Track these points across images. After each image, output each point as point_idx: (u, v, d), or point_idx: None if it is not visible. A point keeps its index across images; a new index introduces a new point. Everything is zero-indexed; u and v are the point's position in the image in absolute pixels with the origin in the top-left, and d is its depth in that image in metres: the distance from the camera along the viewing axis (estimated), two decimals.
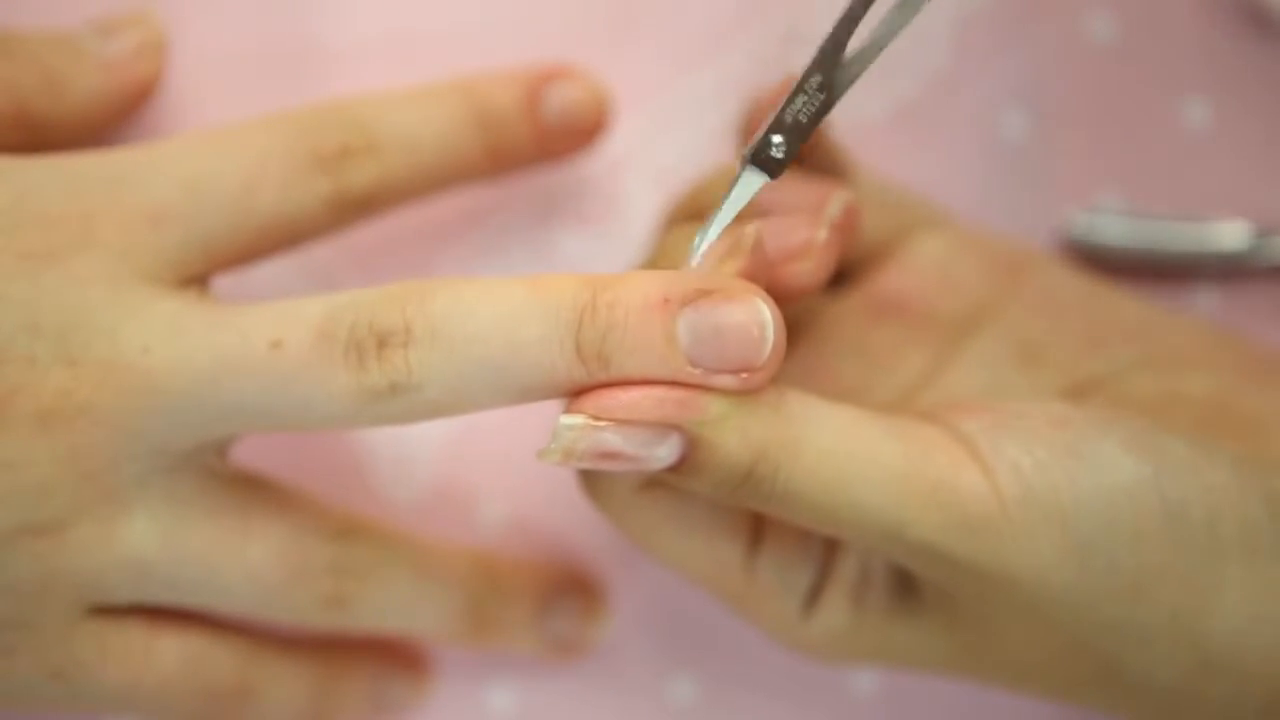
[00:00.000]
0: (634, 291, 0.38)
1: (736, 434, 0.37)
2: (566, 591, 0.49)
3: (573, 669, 0.50)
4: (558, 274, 0.38)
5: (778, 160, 0.38)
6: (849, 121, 0.51)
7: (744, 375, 0.37)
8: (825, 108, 0.37)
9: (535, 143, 0.48)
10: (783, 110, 0.37)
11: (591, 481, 0.42)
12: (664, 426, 0.37)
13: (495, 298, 0.38)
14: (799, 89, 0.37)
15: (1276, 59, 0.51)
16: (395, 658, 0.49)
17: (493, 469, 0.50)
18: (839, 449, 0.38)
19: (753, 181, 0.38)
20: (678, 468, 0.38)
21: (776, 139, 0.38)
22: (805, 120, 0.38)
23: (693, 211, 0.45)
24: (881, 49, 0.37)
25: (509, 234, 0.51)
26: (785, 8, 0.51)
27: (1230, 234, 0.50)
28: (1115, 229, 0.50)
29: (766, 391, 0.38)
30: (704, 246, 0.37)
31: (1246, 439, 0.42)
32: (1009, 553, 0.39)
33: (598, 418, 0.38)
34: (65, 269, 0.41)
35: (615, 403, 0.37)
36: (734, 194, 0.38)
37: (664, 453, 0.38)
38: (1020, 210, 0.51)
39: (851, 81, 0.37)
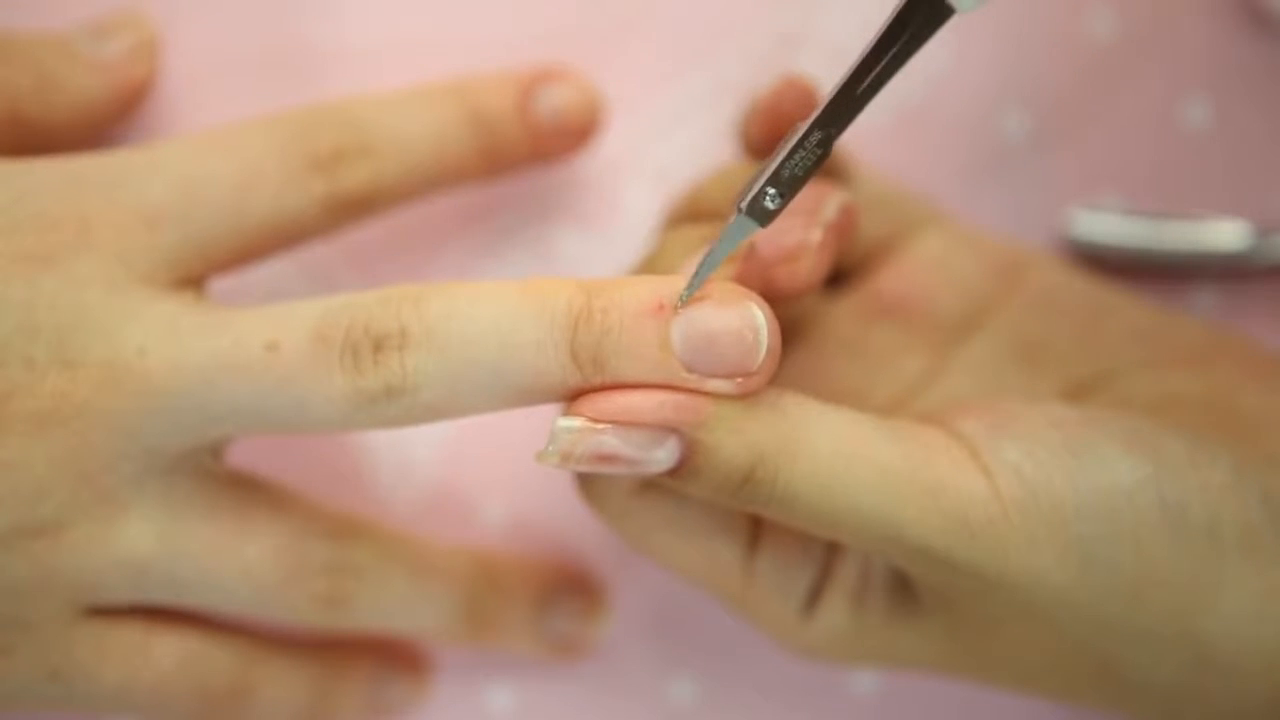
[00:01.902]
0: (628, 296, 0.38)
1: (735, 437, 0.37)
2: (566, 591, 0.49)
3: (572, 669, 0.50)
4: (553, 278, 0.39)
5: (770, 211, 0.38)
6: None
7: (739, 380, 0.37)
8: (821, 160, 0.37)
9: (528, 144, 0.48)
10: (781, 165, 0.37)
11: (588, 485, 0.42)
12: (662, 429, 0.37)
13: (490, 301, 0.38)
14: (799, 145, 0.37)
15: (1276, 59, 0.51)
16: (394, 658, 0.49)
17: (492, 469, 0.50)
18: (838, 451, 0.38)
19: (744, 229, 0.38)
20: (676, 472, 0.38)
21: (771, 191, 0.38)
22: (801, 173, 0.38)
23: (692, 213, 0.45)
24: (871, 98, 0.37)
25: (508, 235, 0.51)
26: (782, 9, 0.51)
27: (1230, 234, 0.50)
28: (1115, 229, 0.50)
29: (764, 394, 0.38)
30: (693, 288, 0.37)
31: (1246, 439, 0.42)
32: (1010, 555, 0.39)
33: (596, 420, 0.38)
34: (63, 271, 0.41)
35: (613, 405, 0.37)
36: (725, 241, 0.38)
37: (662, 456, 0.37)
38: (1020, 210, 0.51)
39: (843, 130, 0.37)
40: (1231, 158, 0.51)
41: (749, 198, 0.38)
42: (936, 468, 0.39)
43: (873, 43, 0.37)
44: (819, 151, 0.38)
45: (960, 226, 0.49)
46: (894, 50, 0.37)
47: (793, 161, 0.38)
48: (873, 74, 0.37)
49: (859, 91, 0.37)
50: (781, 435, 0.38)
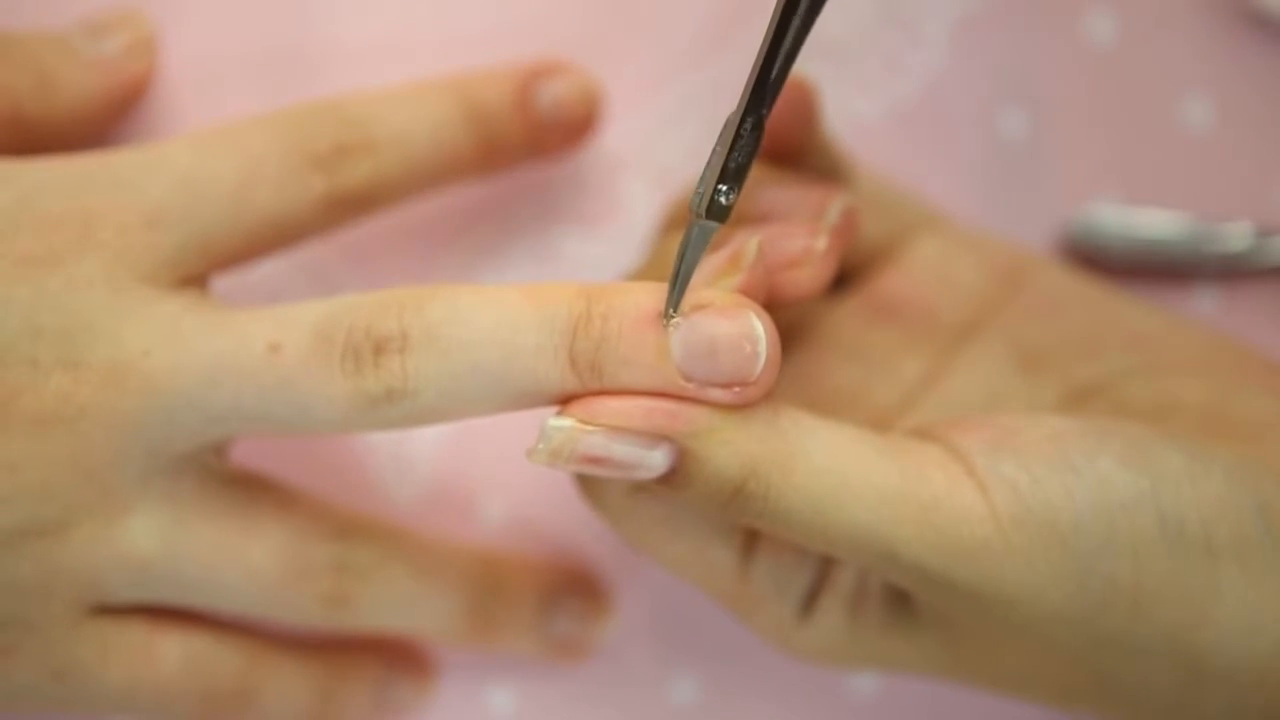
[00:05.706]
0: (628, 303, 0.38)
1: (727, 448, 0.37)
2: (569, 592, 0.49)
3: (574, 670, 0.50)
4: (554, 283, 0.39)
5: (726, 206, 0.38)
6: (848, 123, 0.51)
7: (737, 389, 0.37)
8: (759, 142, 0.37)
9: (527, 139, 0.48)
10: (726, 161, 0.37)
11: (587, 483, 0.42)
12: (652, 436, 0.37)
13: (491, 305, 0.38)
14: (736, 137, 0.37)
15: (1276, 59, 0.51)
16: (398, 659, 0.49)
17: (493, 468, 0.50)
18: (832, 467, 0.38)
19: (706, 231, 0.38)
20: (667, 479, 0.38)
21: (723, 187, 0.38)
22: (745, 161, 0.38)
23: None
24: (791, 65, 0.37)
25: (509, 234, 0.51)
26: None
27: (1230, 234, 0.50)
28: (1115, 230, 0.50)
29: (760, 407, 0.38)
30: (677, 302, 0.37)
31: (1244, 444, 0.42)
32: (1006, 574, 0.38)
33: (587, 422, 0.38)
34: (66, 272, 0.41)
35: (605, 409, 0.37)
36: (691, 249, 0.38)
37: (654, 462, 0.37)
38: (1020, 210, 0.51)
39: (771, 106, 0.37)
40: (1231, 158, 0.51)
41: (704, 202, 0.38)
42: (932, 485, 0.38)
43: (775, 21, 0.37)
44: (756, 135, 0.38)
45: (960, 228, 0.49)
46: (797, 22, 0.37)
47: (735, 154, 0.38)
48: (785, 49, 0.37)
49: (777, 69, 0.37)
50: (774, 449, 0.38)
